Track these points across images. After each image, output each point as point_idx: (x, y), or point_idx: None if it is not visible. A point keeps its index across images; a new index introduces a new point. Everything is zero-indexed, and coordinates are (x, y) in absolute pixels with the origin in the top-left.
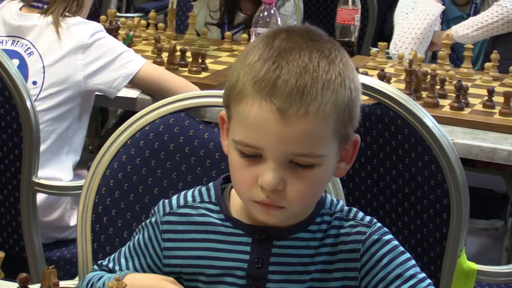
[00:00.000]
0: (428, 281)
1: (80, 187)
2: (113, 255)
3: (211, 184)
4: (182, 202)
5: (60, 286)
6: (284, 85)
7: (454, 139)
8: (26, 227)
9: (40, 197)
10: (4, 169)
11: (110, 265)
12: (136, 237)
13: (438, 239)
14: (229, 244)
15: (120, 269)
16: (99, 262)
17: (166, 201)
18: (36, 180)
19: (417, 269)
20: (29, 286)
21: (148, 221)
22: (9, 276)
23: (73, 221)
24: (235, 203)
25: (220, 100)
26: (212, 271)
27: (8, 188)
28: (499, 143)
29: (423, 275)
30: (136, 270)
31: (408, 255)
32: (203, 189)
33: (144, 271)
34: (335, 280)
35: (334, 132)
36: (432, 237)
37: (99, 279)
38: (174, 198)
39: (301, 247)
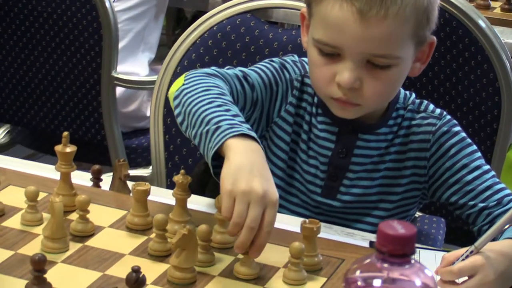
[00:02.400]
0: (492, 173)
1: (154, 81)
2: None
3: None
4: (303, 70)
5: (135, 174)
6: None
7: (505, 39)
8: (107, 118)
9: (119, 90)
10: (86, 65)
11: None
12: (267, 73)
13: (489, 134)
14: (315, 128)
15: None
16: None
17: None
18: (115, 75)
19: (482, 161)
20: (101, 176)
21: (279, 67)
22: (93, 161)
23: (149, 112)
24: None
25: (284, 1)
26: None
27: (90, 82)
28: None
29: (487, 167)
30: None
31: (474, 147)
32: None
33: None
34: (406, 168)
35: (412, 34)
36: (483, 132)
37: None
38: (303, 61)
39: (380, 141)
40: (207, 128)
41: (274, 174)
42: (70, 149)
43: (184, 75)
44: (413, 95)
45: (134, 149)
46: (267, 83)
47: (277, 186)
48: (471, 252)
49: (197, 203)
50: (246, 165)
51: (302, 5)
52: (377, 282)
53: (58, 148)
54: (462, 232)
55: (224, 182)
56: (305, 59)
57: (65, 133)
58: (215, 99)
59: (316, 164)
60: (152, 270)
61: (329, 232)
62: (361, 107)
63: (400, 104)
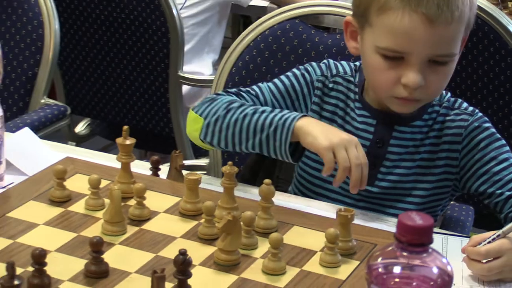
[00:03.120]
0: None
1: None
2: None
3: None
4: (334, 71)
5: (195, 164)
6: None
7: None
8: (174, 113)
9: (185, 87)
10: (155, 65)
11: (252, 93)
12: (286, 82)
13: None
14: (354, 121)
15: (265, 101)
16: (231, 89)
17: (330, 63)
18: (181, 74)
19: (510, 154)
20: (160, 165)
21: (300, 73)
22: (161, 151)
23: None
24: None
25: (327, 8)
26: None
27: (158, 81)
28: None
29: None
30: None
31: (503, 141)
32: (351, 66)
33: None
34: (439, 159)
35: (463, 33)
36: None
37: (249, 106)
38: (332, 64)
39: (415, 133)
40: (265, 133)
41: (314, 164)
42: (130, 141)
43: (193, 117)
44: (449, 94)
45: None
46: (283, 90)
47: (315, 170)
48: (498, 235)
49: (245, 191)
50: (324, 127)
51: (346, 11)
52: (396, 269)
53: (119, 140)
54: (489, 220)
55: (318, 143)
56: (329, 61)
57: (125, 127)
58: (244, 111)
59: None
60: (200, 252)
61: (364, 219)
62: (419, 102)
63: (436, 101)
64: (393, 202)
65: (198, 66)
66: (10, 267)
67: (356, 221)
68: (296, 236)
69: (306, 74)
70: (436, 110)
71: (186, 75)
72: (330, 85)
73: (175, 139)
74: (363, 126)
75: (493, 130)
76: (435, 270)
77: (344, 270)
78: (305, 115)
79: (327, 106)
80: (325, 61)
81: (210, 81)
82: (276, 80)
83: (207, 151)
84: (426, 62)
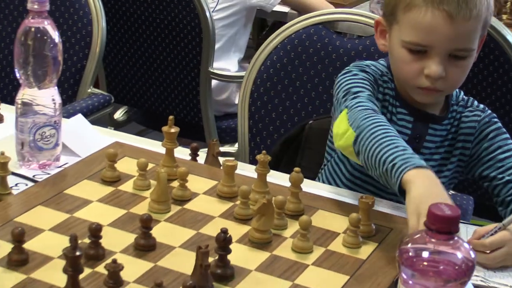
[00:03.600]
0: None
1: (242, 76)
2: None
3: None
4: (379, 70)
5: (224, 151)
6: None
7: None
8: (203, 104)
9: (214, 82)
10: (188, 61)
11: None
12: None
13: None
14: (394, 117)
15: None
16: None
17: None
18: (211, 70)
19: None
20: (198, 152)
21: (364, 75)
22: (191, 138)
23: (237, 100)
24: None
25: (349, 16)
26: None
27: (191, 75)
28: None
29: None
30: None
31: (508, 135)
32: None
33: None
34: (457, 149)
35: (481, 29)
36: None
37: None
38: (374, 63)
39: (443, 130)
40: (385, 167)
41: None
42: (174, 130)
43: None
44: (462, 92)
45: (224, 129)
46: (372, 92)
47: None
48: (499, 228)
49: (275, 177)
50: (425, 192)
51: (363, 19)
52: (425, 254)
53: (164, 128)
54: (485, 208)
55: (410, 206)
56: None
57: (171, 117)
58: (384, 138)
59: None
60: (236, 231)
61: (380, 205)
62: (441, 93)
63: (453, 101)
64: None
65: (226, 64)
66: (73, 239)
67: (375, 207)
68: (321, 219)
69: (369, 76)
70: (455, 109)
71: (215, 71)
72: (385, 84)
73: (203, 127)
74: (402, 122)
75: (501, 125)
76: (459, 256)
77: (365, 251)
78: (421, 166)
79: (384, 103)
80: (367, 62)
81: (237, 77)
82: (358, 89)
83: (231, 139)
84: (446, 56)
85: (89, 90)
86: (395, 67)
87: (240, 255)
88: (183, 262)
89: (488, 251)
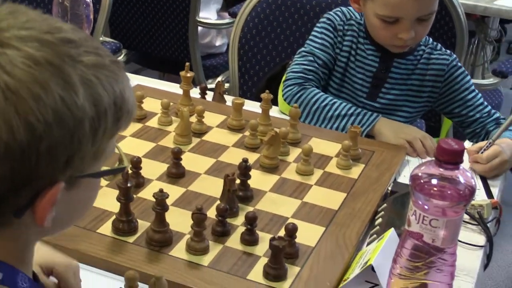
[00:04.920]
0: (480, 95)
1: (222, 24)
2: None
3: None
4: (348, 16)
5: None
6: None
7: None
8: (192, 47)
9: (199, 28)
10: (179, 12)
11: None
12: (323, 37)
13: None
14: (364, 53)
15: (323, 61)
16: (295, 80)
17: (343, 10)
18: (198, 19)
19: (474, 86)
20: (207, 91)
21: (326, 25)
22: (175, 73)
23: (217, 43)
24: None
25: None
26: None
27: (181, 23)
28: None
29: (477, 90)
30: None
31: (469, 76)
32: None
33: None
34: (426, 86)
35: None
36: None
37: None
38: (345, 10)
39: (408, 64)
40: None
41: (332, 82)
42: (190, 74)
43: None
44: (430, 39)
45: (208, 67)
46: (329, 45)
47: (334, 89)
48: (490, 144)
49: (252, 106)
50: (398, 125)
51: None
52: (434, 180)
53: (182, 73)
54: (429, 127)
55: (391, 138)
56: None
57: (187, 64)
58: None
59: (363, 77)
60: (248, 158)
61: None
62: (411, 45)
63: (422, 43)
64: (388, 116)
65: (207, 13)
66: (125, 172)
67: None
68: (315, 145)
69: (331, 23)
70: (422, 49)
71: (201, 20)
72: (346, 27)
73: (191, 65)
74: (371, 57)
75: (464, 68)
76: (462, 182)
77: (355, 171)
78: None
79: (344, 46)
80: (338, 9)
81: (217, 24)
82: (313, 39)
83: (213, 74)
84: (415, 20)
85: (101, 39)
86: (371, 30)
87: (254, 179)
88: (209, 187)
89: (485, 163)
